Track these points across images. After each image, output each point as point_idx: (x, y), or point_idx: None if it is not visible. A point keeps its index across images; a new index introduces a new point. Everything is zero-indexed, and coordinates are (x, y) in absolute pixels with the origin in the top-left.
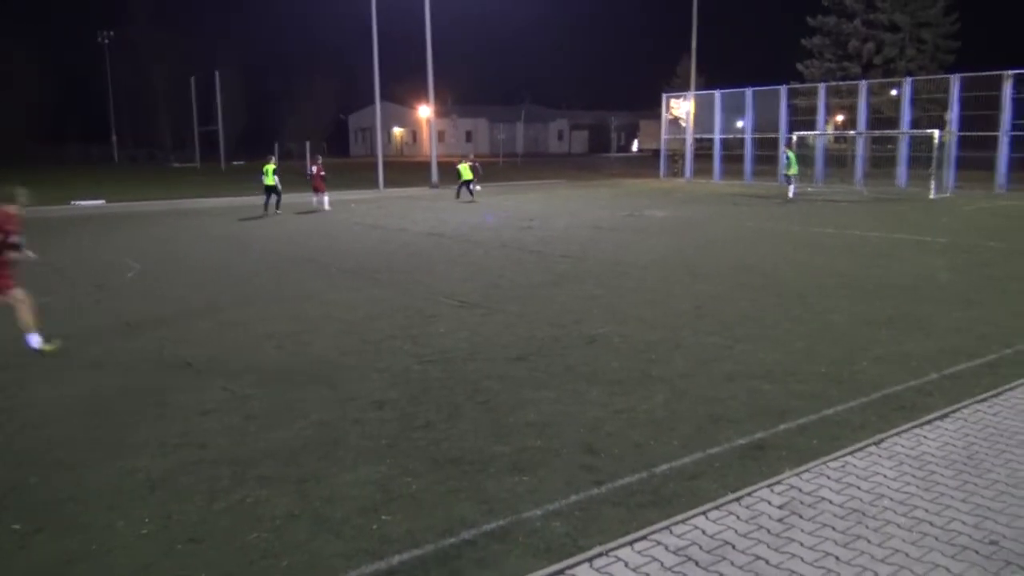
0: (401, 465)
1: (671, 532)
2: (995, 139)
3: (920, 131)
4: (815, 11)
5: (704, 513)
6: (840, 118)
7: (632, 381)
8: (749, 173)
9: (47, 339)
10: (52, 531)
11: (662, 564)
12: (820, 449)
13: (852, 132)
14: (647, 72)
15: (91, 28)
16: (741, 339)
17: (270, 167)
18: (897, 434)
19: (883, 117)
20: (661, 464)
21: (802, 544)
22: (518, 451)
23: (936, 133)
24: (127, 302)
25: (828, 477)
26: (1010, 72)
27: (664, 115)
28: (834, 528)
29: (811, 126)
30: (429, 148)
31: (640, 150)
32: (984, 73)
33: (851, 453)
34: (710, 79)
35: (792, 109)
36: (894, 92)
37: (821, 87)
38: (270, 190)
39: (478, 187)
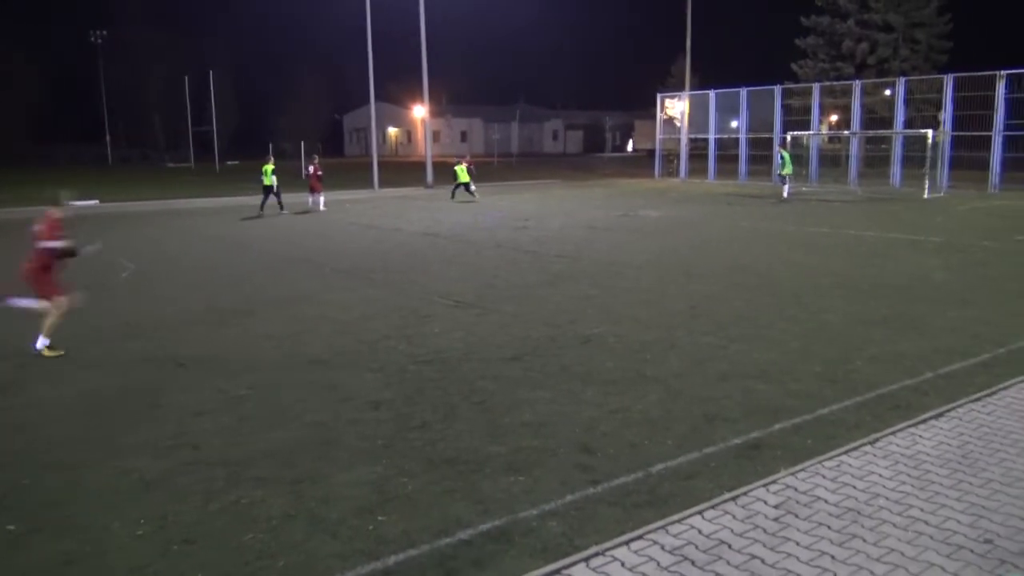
0: (397, 465)
1: (667, 532)
2: (988, 139)
3: (914, 131)
4: (809, 11)
5: (700, 513)
6: (834, 118)
7: (627, 381)
8: (744, 173)
9: (53, 346)
10: (48, 532)
11: (658, 564)
12: (815, 448)
13: (846, 132)
14: (642, 72)
15: (84, 28)
16: (736, 339)
17: (269, 167)
18: (892, 433)
19: (877, 117)
20: (657, 464)
21: (798, 543)
22: (514, 451)
23: (930, 133)
24: (122, 302)
25: (823, 476)
26: (1003, 72)
27: (659, 115)
28: (830, 527)
29: (805, 126)
30: (424, 148)
31: (635, 150)
32: (977, 73)
33: (846, 452)
34: (704, 79)
35: (786, 109)
36: (888, 92)
37: (815, 87)
38: (268, 190)
39: (473, 187)
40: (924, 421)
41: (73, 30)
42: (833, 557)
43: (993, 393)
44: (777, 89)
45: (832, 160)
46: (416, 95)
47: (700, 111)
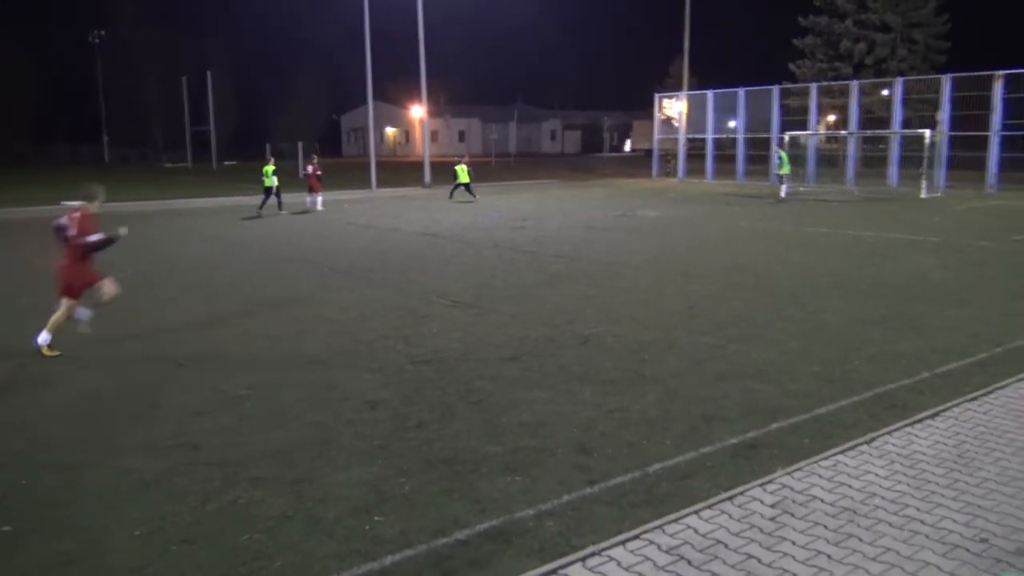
0: (394, 465)
1: (664, 531)
2: (986, 139)
3: (911, 131)
4: (807, 11)
5: (697, 512)
6: (832, 118)
7: (625, 381)
8: (741, 173)
9: (52, 346)
10: (46, 532)
11: (655, 563)
12: (812, 448)
13: (844, 132)
14: (640, 72)
15: (82, 27)
16: (734, 339)
17: (269, 168)
18: (888, 433)
19: (874, 117)
20: (654, 463)
21: (794, 543)
22: (511, 451)
23: (927, 133)
24: (121, 303)
25: (820, 476)
26: (1001, 72)
27: (657, 115)
28: (826, 527)
29: (803, 126)
30: (422, 148)
31: (633, 150)
32: (975, 73)
33: (843, 452)
34: (703, 79)
35: (784, 109)
36: (885, 92)
37: (813, 87)
38: (269, 191)
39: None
40: (920, 421)
41: (72, 30)
42: (829, 557)
43: (989, 393)
44: (775, 89)
45: (830, 160)
46: (414, 95)
47: (698, 111)
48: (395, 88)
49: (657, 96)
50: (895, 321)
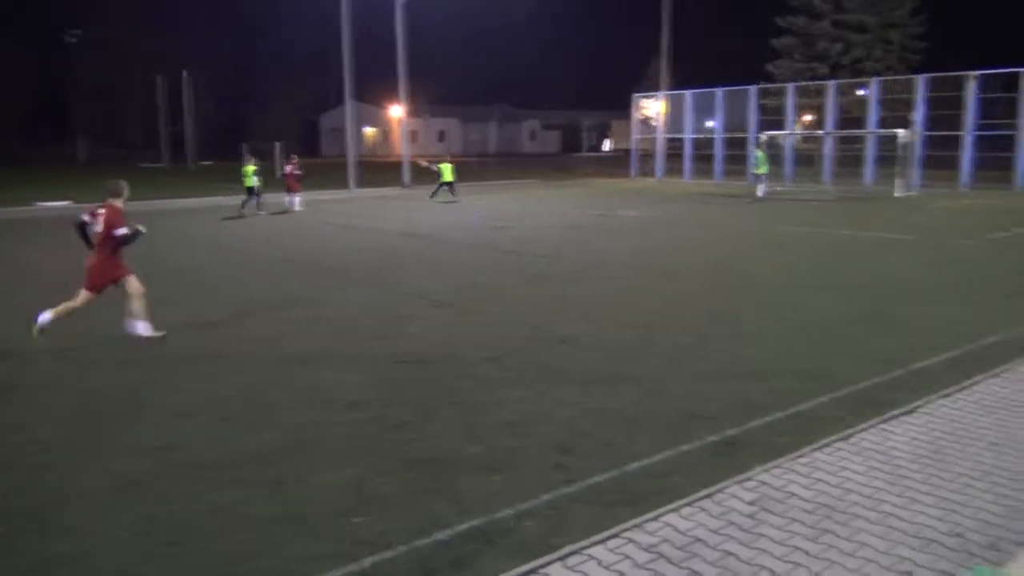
0: (375, 466)
1: (643, 530)
2: (960, 139)
3: (887, 131)
4: (784, 12)
5: (676, 510)
6: (808, 118)
7: (605, 380)
8: (719, 173)
9: (44, 330)
10: (31, 535)
11: (635, 562)
12: (790, 445)
13: (820, 132)
14: (618, 72)
15: (57, 26)
16: (712, 337)
17: (250, 168)
18: (865, 430)
19: (851, 117)
20: (633, 462)
21: (772, 539)
22: (491, 451)
23: (902, 133)
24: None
25: (797, 473)
26: (974, 73)
27: (635, 115)
28: (803, 523)
29: (780, 126)
30: (401, 148)
31: (612, 150)
32: (949, 74)
33: (820, 449)
34: (681, 79)
35: (761, 109)
36: (861, 92)
37: (790, 87)
38: (251, 191)
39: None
40: (896, 417)
41: (47, 29)
42: (807, 552)
43: (963, 389)
44: (752, 89)
45: (806, 159)
46: (393, 95)
47: (676, 111)
48: (374, 88)
49: (635, 96)
50: (871, 319)
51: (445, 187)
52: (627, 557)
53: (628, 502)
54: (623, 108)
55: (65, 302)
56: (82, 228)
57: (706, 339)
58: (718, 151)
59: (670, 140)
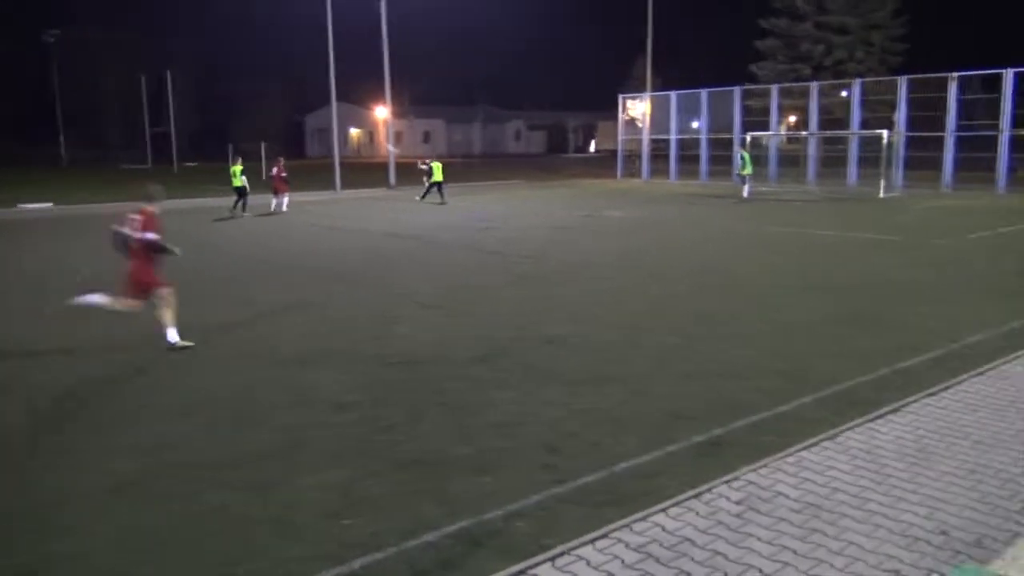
0: (364, 468)
1: (632, 530)
2: (941, 139)
3: (869, 131)
4: (767, 13)
5: (664, 511)
6: (792, 119)
7: (592, 381)
8: (705, 173)
9: (182, 336)
10: (31, 534)
11: (623, 562)
12: (776, 445)
13: (804, 132)
14: (604, 73)
15: (37, 26)
16: (698, 338)
17: (237, 169)
18: (851, 429)
19: (834, 118)
20: (621, 463)
21: (759, 539)
22: (480, 452)
23: (885, 133)
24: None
25: (784, 472)
26: (955, 74)
27: (621, 116)
28: (791, 522)
29: (764, 127)
30: (386, 149)
31: (597, 151)
32: (931, 75)
33: (806, 448)
34: (666, 80)
35: (746, 110)
36: (844, 93)
37: (774, 88)
38: (241, 192)
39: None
40: (882, 416)
41: (26, 28)
42: (794, 551)
43: (947, 388)
44: (737, 90)
45: (790, 160)
46: (378, 96)
47: (661, 112)
48: (359, 89)
49: (621, 97)
50: (857, 319)
51: (435, 188)
52: (616, 557)
53: (616, 502)
54: (609, 109)
55: (162, 315)
56: (119, 237)
57: (692, 339)
58: (703, 152)
59: (656, 141)
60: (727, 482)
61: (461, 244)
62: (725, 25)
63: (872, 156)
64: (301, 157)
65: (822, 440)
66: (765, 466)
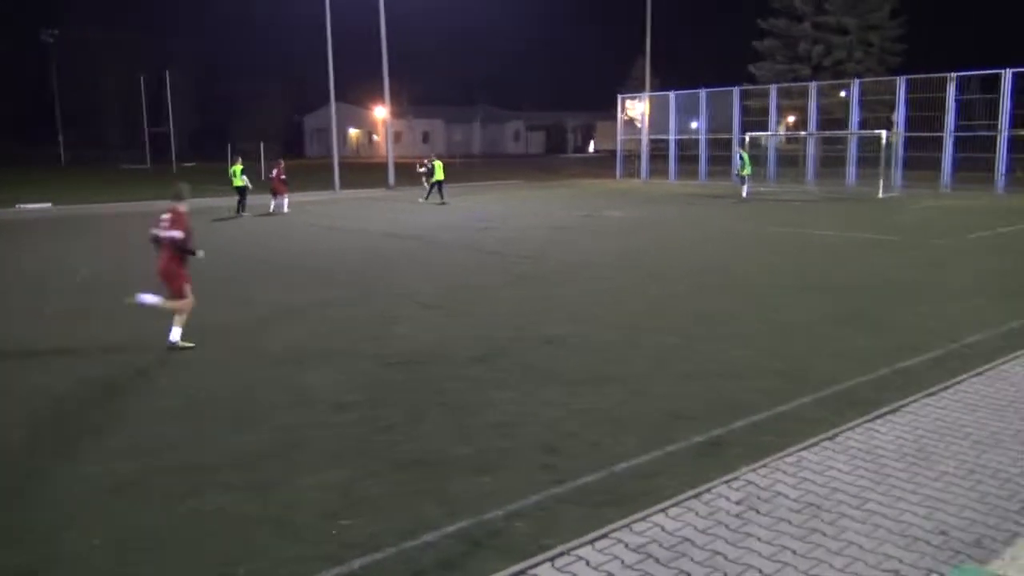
0: (364, 468)
1: (631, 530)
2: (940, 140)
3: (868, 132)
4: (766, 14)
5: (664, 511)
6: (791, 119)
7: (591, 381)
8: (704, 173)
9: (184, 337)
10: (30, 533)
11: (623, 562)
12: (776, 445)
13: (803, 133)
14: (603, 73)
15: (36, 25)
16: (697, 338)
17: (238, 168)
18: (850, 429)
19: (833, 118)
20: (620, 463)
21: (759, 539)
22: (480, 452)
23: (883, 134)
24: (112, 309)
25: (784, 472)
26: (954, 74)
27: (620, 116)
28: (790, 522)
29: (763, 127)
30: (385, 149)
31: (596, 151)
32: (929, 75)
33: (806, 448)
34: (665, 80)
35: (745, 110)
36: (843, 93)
37: (772, 88)
38: (242, 191)
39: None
40: (881, 416)
41: (25, 28)
42: (794, 551)
43: (947, 388)
44: (736, 91)
45: (789, 160)
46: (377, 96)
47: (660, 112)
48: (358, 89)
49: (620, 97)
50: (856, 319)
51: (436, 187)
52: (616, 557)
53: (616, 502)
54: (608, 109)
55: (176, 315)
56: (157, 240)
57: (691, 339)
58: (702, 152)
59: (655, 141)
60: (727, 482)
61: (461, 244)
62: (724, 26)
63: (871, 156)
64: (300, 157)
65: (822, 440)
66: (765, 466)
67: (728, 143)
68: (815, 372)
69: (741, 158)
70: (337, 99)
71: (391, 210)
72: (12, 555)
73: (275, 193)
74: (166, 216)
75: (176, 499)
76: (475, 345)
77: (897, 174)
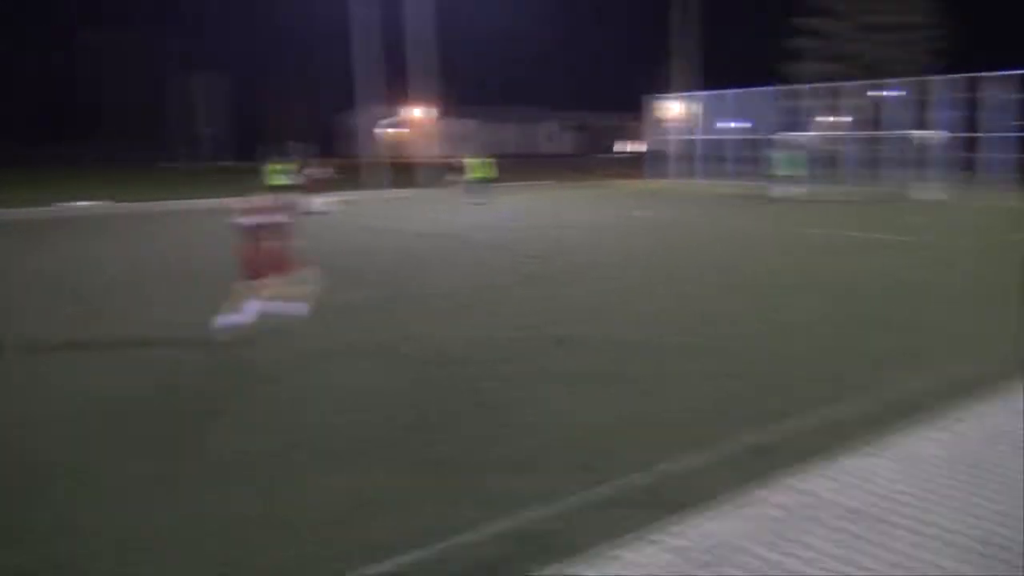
0: (387, 468)
1: (671, 532)
2: (986, 140)
3: (907, 132)
4: (802, 12)
5: (701, 513)
6: (828, 119)
7: (626, 381)
8: (734, 174)
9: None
10: (30, 534)
11: (662, 563)
12: (816, 448)
13: (840, 133)
14: (635, 74)
15: (72, 26)
16: (748, 337)
17: (275, 167)
18: (894, 434)
19: (869, 118)
20: (661, 464)
21: (800, 543)
22: (511, 452)
23: (925, 134)
24: (129, 300)
25: (824, 476)
26: (999, 74)
27: (651, 117)
28: (832, 528)
29: (800, 127)
30: (421, 149)
31: (628, 151)
32: (973, 75)
33: (848, 453)
34: (698, 81)
35: (780, 110)
36: (883, 93)
37: (807, 88)
38: (278, 190)
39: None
40: (926, 422)
41: (62, 29)
42: (835, 557)
43: (995, 394)
44: (769, 90)
45: (825, 161)
46: (413, 96)
47: (694, 113)
48: (394, 89)
49: (652, 98)
50: (898, 324)
51: (476, 184)
52: (652, 560)
53: (656, 504)
54: (640, 110)
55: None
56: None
57: (741, 339)
58: (735, 153)
59: (686, 141)
60: (768, 486)
61: (491, 244)
62: (758, 25)
63: (912, 157)
64: (336, 156)
65: (864, 445)
66: (806, 471)
67: (760, 144)
68: (855, 375)
69: (773, 158)
70: (372, 99)
71: (426, 210)
72: (12, 555)
73: (310, 192)
74: (255, 206)
75: (185, 501)
76: (509, 344)
77: (940, 175)
